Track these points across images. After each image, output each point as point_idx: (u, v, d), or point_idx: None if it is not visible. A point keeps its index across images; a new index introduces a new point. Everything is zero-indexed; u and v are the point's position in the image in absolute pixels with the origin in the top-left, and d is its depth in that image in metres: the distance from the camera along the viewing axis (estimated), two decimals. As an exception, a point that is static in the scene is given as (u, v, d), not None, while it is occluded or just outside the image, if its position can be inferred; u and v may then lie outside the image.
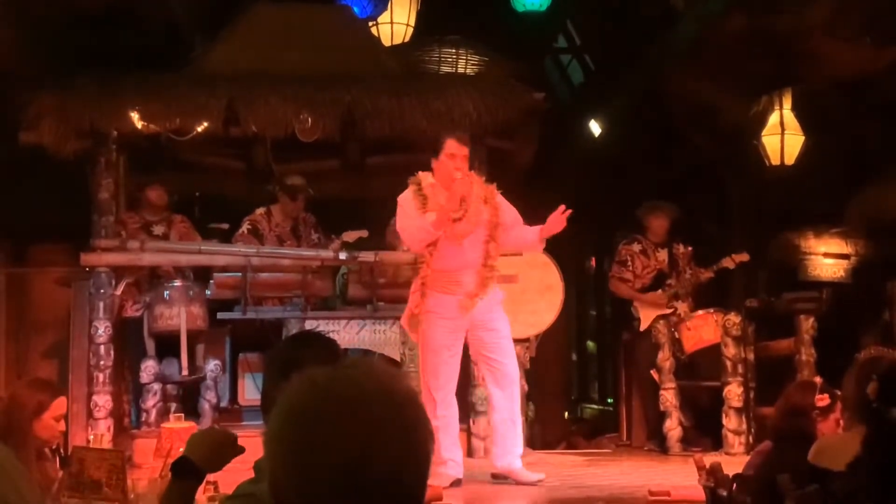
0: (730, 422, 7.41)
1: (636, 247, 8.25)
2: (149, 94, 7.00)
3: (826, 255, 8.89)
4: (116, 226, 7.42)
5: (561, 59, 13.19)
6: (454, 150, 6.00)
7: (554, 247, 6.59)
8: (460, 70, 8.79)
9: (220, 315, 7.30)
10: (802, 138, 8.82)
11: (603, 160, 10.39)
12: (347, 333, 7.09)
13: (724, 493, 3.88)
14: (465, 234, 5.98)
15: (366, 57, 7.73)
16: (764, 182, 9.07)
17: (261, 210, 7.82)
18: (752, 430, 7.33)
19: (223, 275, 7.20)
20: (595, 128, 10.74)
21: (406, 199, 6.04)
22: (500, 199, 6.15)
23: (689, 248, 8.34)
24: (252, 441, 2.18)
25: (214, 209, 7.98)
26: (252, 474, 2.43)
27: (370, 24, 9.26)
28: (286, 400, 1.39)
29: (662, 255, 8.30)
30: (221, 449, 2.40)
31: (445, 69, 8.74)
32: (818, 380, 4.76)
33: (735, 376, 7.46)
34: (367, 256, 7.19)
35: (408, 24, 9.55)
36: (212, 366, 7.17)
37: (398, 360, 7.14)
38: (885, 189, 8.62)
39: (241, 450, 2.42)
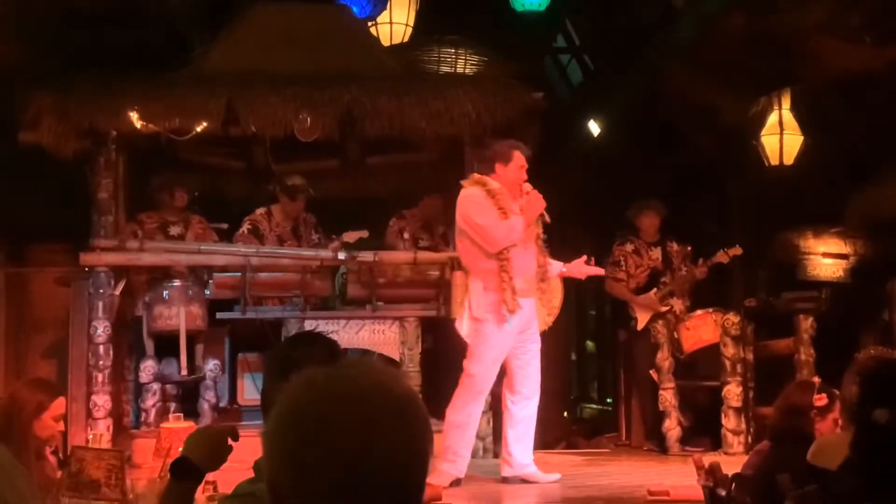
0: (729, 421, 7.41)
1: (629, 247, 8.27)
2: (148, 93, 7.00)
3: (825, 254, 8.89)
4: (132, 225, 7.45)
5: (560, 58, 13.19)
6: (523, 162, 6.16)
7: (553, 246, 6.59)
8: (459, 70, 8.79)
9: (219, 315, 7.30)
10: (801, 138, 8.82)
11: (602, 160, 10.39)
12: (347, 333, 7.10)
13: (723, 493, 3.88)
14: (525, 241, 6.13)
15: (365, 57, 7.73)
16: (763, 182, 9.06)
17: (261, 210, 7.82)
18: (752, 429, 7.34)
19: (222, 274, 7.20)
20: (594, 128, 10.74)
21: (480, 197, 6.10)
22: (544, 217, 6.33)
23: (688, 248, 8.35)
24: (251, 441, 2.18)
25: (214, 209, 7.97)
26: (251, 474, 2.43)
27: (369, 23, 9.26)
28: (285, 399, 1.39)
29: (656, 253, 8.31)
30: (220, 448, 2.40)
31: (444, 69, 8.74)
32: (816, 380, 4.76)
33: (734, 376, 7.47)
34: (367, 256, 7.19)
35: (407, 24, 9.55)
36: (211, 365, 7.17)
37: (397, 359, 7.14)
38: (884, 189, 8.61)
39: (236, 438, 2.42)
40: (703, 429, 7.83)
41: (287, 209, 7.81)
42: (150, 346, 7.19)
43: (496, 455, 7.12)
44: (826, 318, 7.77)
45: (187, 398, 7.30)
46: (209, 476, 2.56)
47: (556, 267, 6.39)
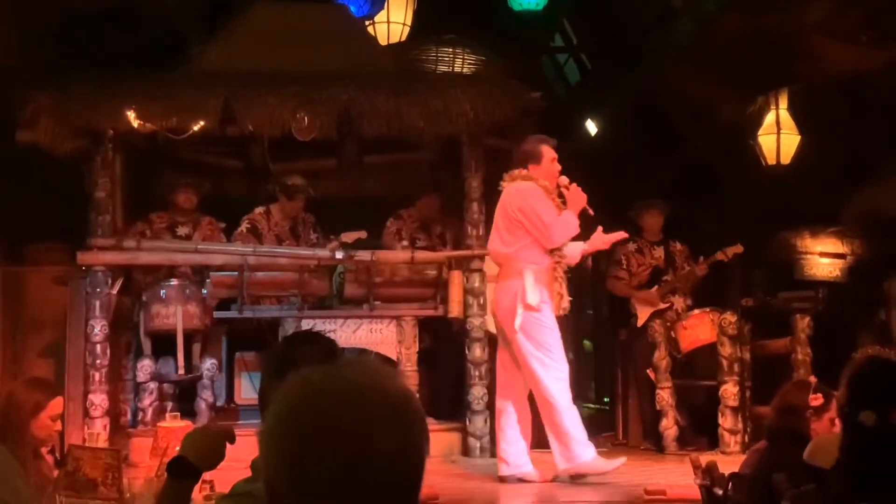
0: (726, 421, 7.42)
1: (631, 246, 8.27)
2: (145, 93, 6.99)
3: (822, 254, 8.90)
4: (142, 224, 7.46)
5: (558, 58, 13.19)
6: (553, 155, 6.21)
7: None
8: (457, 69, 8.79)
9: (217, 314, 7.30)
10: (798, 138, 8.83)
11: (599, 159, 10.38)
12: (344, 332, 7.10)
13: (720, 492, 3.89)
14: None
15: (363, 56, 7.73)
16: (760, 181, 9.07)
17: (260, 209, 7.83)
18: (748, 429, 7.34)
19: (220, 273, 7.20)
20: (591, 127, 10.74)
21: (539, 193, 6.14)
22: None
23: (685, 246, 8.37)
24: (248, 440, 2.18)
25: (211, 208, 7.97)
26: (248, 473, 2.43)
27: (367, 23, 9.26)
28: (282, 398, 1.39)
29: (658, 251, 8.33)
30: (217, 447, 2.40)
31: (442, 68, 8.74)
32: (812, 379, 4.77)
33: (731, 375, 7.47)
34: (364, 256, 7.19)
35: (404, 24, 9.55)
36: (208, 365, 7.18)
37: (394, 359, 7.14)
38: (881, 188, 8.62)
39: (233, 439, 2.42)
40: (701, 428, 7.83)
41: (286, 209, 7.81)
42: (147, 345, 7.19)
43: (493, 455, 7.13)
44: (823, 318, 7.77)
45: (184, 397, 7.30)
46: (206, 475, 2.56)
47: (577, 248, 6.37)
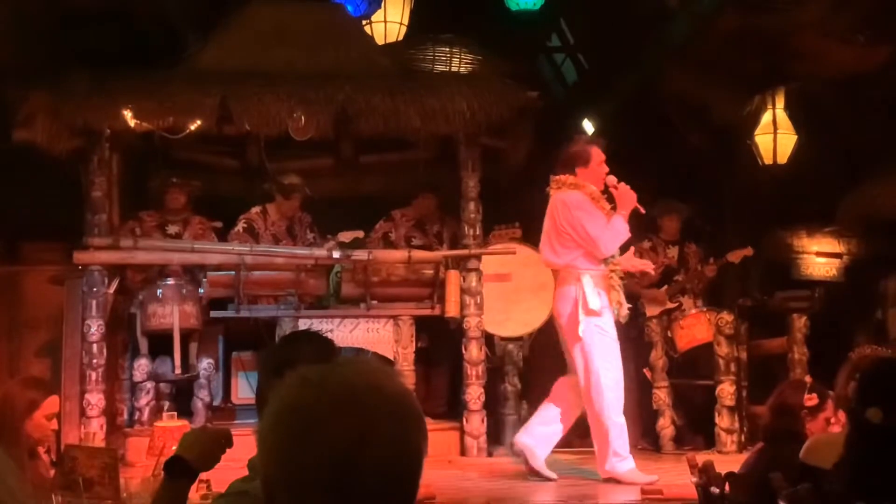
0: (722, 420, 7.42)
1: (646, 244, 8.24)
2: (142, 92, 6.98)
3: (819, 253, 8.91)
4: (132, 222, 7.45)
5: (555, 57, 13.19)
6: (601, 157, 6.20)
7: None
8: (454, 68, 8.78)
9: (213, 313, 7.29)
10: (795, 137, 8.84)
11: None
12: (341, 332, 7.10)
13: (717, 492, 3.89)
14: None
15: (359, 55, 7.73)
16: (757, 181, 9.08)
17: (256, 208, 7.82)
18: (745, 428, 7.34)
19: (217, 273, 7.19)
20: (588, 127, 10.73)
21: (584, 202, 6.14)
22: None
23: (700, 248, 8.37)
24: (245, 439, 2.18)
25: (208, 207, 7.96)
26: (245, 472, 2.43)
27: (364, 22, 9.25)
28: (279, 397, 1.39)
29: (673, 251, 8.34)
30: (214, 448, 2.41)
31: (439, 68, 8.73)
32: (808, 379, 4.77)
33: (728, 375, 7.48)
34: (361, 255, 7.19)
35: (401, 23, 9.54)
36: (205, 364, 7.17)
37: (391, 358, 7.14)
38: (877, 188, 8.63)
39: (231, 443, 2.42)
40: (697, 427, 7.83)
41: (282, 208, 7.81)
42: (143, 344, 7.18)
43: (490, 454, 7.14)
44: (819, 318, 7.78)
45: (181, 397, 7.30)
46: (203, 475, 2.56)
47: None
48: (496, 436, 7.37)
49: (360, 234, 7.89)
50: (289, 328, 6.87)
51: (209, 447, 2.40)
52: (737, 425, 7.39)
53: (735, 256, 7.94)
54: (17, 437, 3.99)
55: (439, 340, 7.71)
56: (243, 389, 7.55)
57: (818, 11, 7.80)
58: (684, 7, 9.03)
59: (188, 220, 7.65)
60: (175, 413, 5.88)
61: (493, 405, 7.39)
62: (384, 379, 1.42)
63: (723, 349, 7.53)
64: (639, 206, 6.16)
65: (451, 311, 7.18)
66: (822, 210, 8.88)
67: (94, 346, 6.86)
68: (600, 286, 6.08)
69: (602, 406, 6.01)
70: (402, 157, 8.32)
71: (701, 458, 4.24)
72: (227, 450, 2.44)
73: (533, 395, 8.09)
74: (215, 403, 7.43)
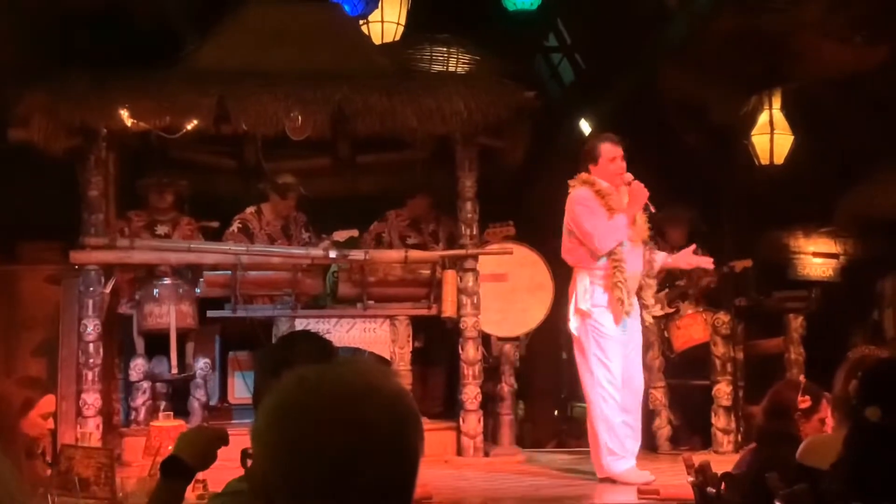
0: (719, 420, 7.43)
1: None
2: (139, 91, 6.97)
3: (815, 254, 8.92)
4: (120, 222, 7.43)
5: (552, 57, 13.19)
6: (613, 153, 6.18)
7: (545, 245, 6.60)
8: (451, 68, 8.79)
9: (209, 313, 7.28)
10: (792, 138, 8.85)
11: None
12: (338, 332, 7.09)
13: (713, 492, 3.89)
14: (633, 241, 6.18)
15: (356, 55, 7.72)
16: (753, 181, 9.09)
17: (251, 208, 7.81)
18: (741, 428, 7.35)
19: (213, 273, 7.18)
20: (585, 127, 10.74)
21: (588, 199, 6.14)
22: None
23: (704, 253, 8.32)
24: (242, 439, 2.18)
25: (205, 207, 7.96)
26: (241, 472, 2.43)
27: (361, 22, 9.24)
28: (275, 397, 1.39)
29: None
30: (211, 447, 2.40)
31: (436, 67, 8.74)
32: (802, 379, 4.77)
33: (724, 375, 7.48)
34: (358, 255, 7.18)
35: (398, 23, 9.53)
36: (201, 364, 7.16)
37: (388, 358, 7.13)
38: (874, 188, 8.65)
39: (227, 442, 2.42)
40: (694, 428, 7.84)
41: (277, 208, 7.80)
42: (140, 344, 7.18)
43: (486, 454, 7.14)
44: (816, 318, 7.78)
45: (177, 397, 7.29)
46: (199, 474, 2.56)
47: (660, 258, 6.43)
48: (493, 436, 7.37)
49: (355, 233, 7.89)
50: (285, 328, 6.87)
51: (205, 446, 2.40)
52: (733, 425, 7.40)
53: (738, 266, 7.89)
54: (12, 435, 3.99)
55: (436, 340, 7.71)
56: (240, 389, 7.54)
57: (816, 12, 7.81)
58: (682, 7, 9.03)
59: (177, 220, 7.64)
60: (171, 413, 5.89)
61: (489, 405, 7.39)
62: (381, 379, 1.42)
63: (719, 349, 7.53)
64: (650, 204, 6.16)
65: (448, 310, 7.18)
66: (819, 210, 8.89)
67: (91, 345, 6.85)
68: (601, 284, 6.07)
69: (594, 404, 6.03)
70: (400, 156, 8.31)
71: (697, 458, 4.24)
72: (224, 449, 2.44)
73: (529, 395, 8.12)
74: (212, 403, 7.42)
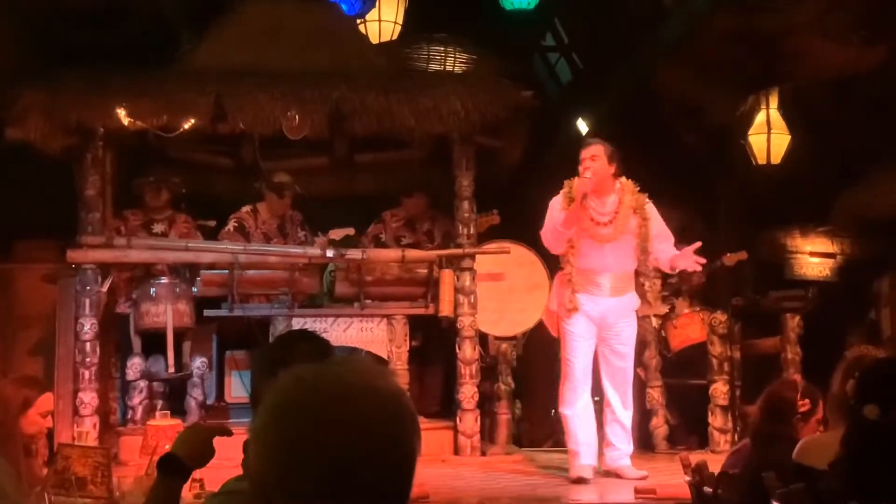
0: (716, 420, 7.43)
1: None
2: (136, 90, 6.97)
3: (812, 253, 8.94)
4: (116, 221, 7.43)
5: (549, 57, 13.19)
6: (583, 156, 6.27)
7: (542, 245, 6.60)
8: (449, 68, 8.79)
9: (206, 312, 7.28)
10: (789, 137, 8.86)
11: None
12: (335, 331, 7.09)
13: (710, 491, 3.90)
14: (609, 239, 6.25)
15: (354, 54, 7.72)
16: (750, 181, 9.09)
17: (247, 207, 7.81)
18: (738, 428, 7.35)
19: (210, 272, 7.18)
20: (583, 126, 10.74)
21: (555, 201, 6.30)
22: (651, 210, 6.38)
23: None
24: (239, 438, 2.17)
25: (202, 206, 7.95)
26: (239, 471, 2.43)
27: (358, 21, 9.24)
28: (272, 396, 1.39)
29: None
30: (208, 446, 2.40)
31: (434, 67, 8.74)
32: (797, 378, 4.77)
33: (721, 374, 7.49)
34: (355, 254, 7.18)
35: (396, 22, 9.53)
36: (198, 363, 7.16)
37: (385, 357, 7.13)
38: (871, 188, 8.66)
39: (229, 433, 2.42)
40: (690, 427, 7.84)
41: (273, 206, 7.80)
42: (136, 343, 7.17)
43: (483, 453, 7.14)
44: (813, 317, 7.79)
45: (174, 396, 7.28)
46: (196, 474, 2.57)
47: (665, 257, 6.43)
48: (490, 435, 7.37)
49: (351, 230, 7.88)
50: (282, 327, 6.87)
51: (202, 444, 2.40)
52: (730, 425, 7.40)
53: (730, 260, 7.91)
54: (11, 434, 3.99)
55: (433, 340, 7.71)
56: (237, 388, 7.54)
57: (813, 11, 7.82)
58: (679, 6, 9.04)
59: (173, 218, 7.64)
60: (168, 412, 5.88)
61: (486, 404, 7.40)
62: (378, 378, 1.42)
63: (716, 349, 7.54)
64: (588, 195, 6.15)
65: (445, 310, 7.18)
66: (816, 210, 8.90)
67: (88, 344, 6.85)
68: (568, 284, 6.21)
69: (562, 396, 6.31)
70: (397, 156, 8.32)
71: (694, 457, 4.25)
72: (221, 449, 2.44)
73: (526, 395, 8.11)
74: (209, 402, 7.42)
